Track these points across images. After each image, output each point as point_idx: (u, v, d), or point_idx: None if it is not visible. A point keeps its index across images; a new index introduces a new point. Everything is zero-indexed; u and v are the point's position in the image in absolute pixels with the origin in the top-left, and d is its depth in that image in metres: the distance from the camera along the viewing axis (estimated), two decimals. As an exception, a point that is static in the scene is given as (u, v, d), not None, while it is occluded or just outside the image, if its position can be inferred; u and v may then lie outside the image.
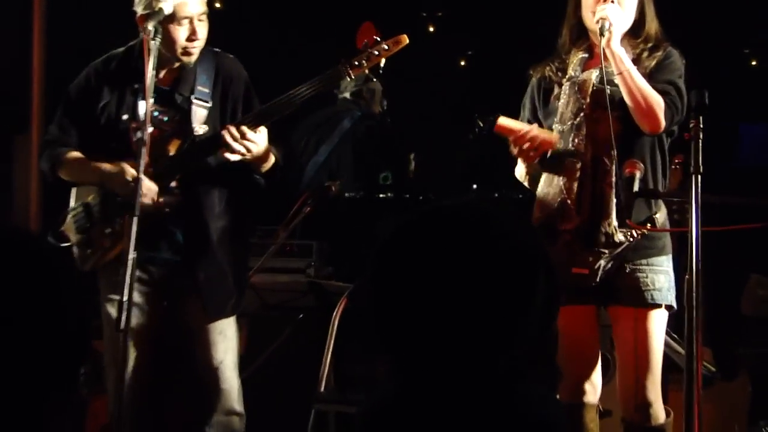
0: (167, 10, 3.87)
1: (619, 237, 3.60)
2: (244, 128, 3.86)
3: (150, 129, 3.75)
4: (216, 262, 4.07)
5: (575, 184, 3.68)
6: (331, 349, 4.56)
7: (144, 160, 3.64)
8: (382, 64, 3.94)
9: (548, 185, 3.78)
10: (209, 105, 4.05)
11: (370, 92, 7.00)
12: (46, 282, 1.62)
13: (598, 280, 3.65)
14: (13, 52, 6.05)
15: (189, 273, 4.06)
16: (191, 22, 3.95)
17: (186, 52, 4.00)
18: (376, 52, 3.89)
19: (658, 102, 3.61)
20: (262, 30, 7.85)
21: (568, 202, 3.67)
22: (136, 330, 3.95)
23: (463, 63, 9.19)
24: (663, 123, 3.61)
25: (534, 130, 3.74)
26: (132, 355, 3.96)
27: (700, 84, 3.37)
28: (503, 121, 3.76)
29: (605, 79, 3.60)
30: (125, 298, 3.53)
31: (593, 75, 3.73)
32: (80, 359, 1.65)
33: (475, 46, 8.95)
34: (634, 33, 3.78)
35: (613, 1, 3.67)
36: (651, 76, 3.69)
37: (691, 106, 3.27)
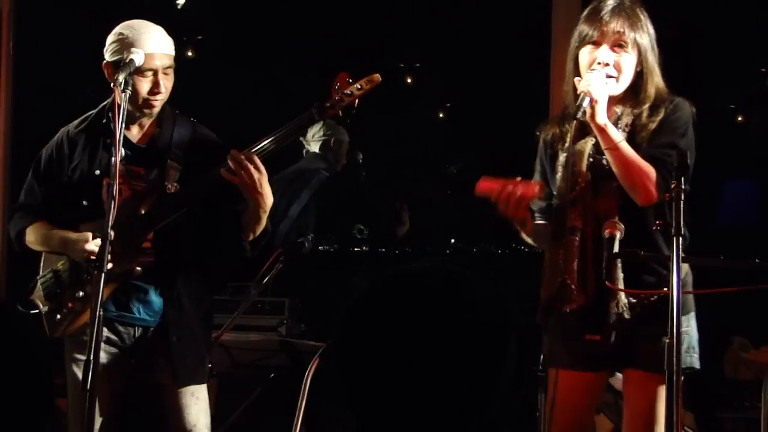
0: (138, 61, 3.82)
1: (628, 314, 3.51)
2: (254, 156, 3.80)
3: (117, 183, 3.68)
4: (188, 323, 4.00)
5: (575, 263, 3.56)
6: (302, 410, 4.47)
7: (113, 214, 3.55)
8: (355, 105, 3.87)
9: (549, 263, 3.66)
10: (181, 168, 3.98)
11: (338, 143, 6.96)
12: (7, 343, 1.62)
13: (611, 345, 3.56)
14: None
15: (161, 334, 3.99)
16: (155, 74, 3.90)
17: (147, 104, 3.95)
18: (349, 93, 3.83)
19: (648, 175, 3.45)
20: (236, 81, 7.83)
21: (568, 281, 3.55)
22: (103, 391, 3.86)
23: (441, 115, 9.17)
24: (655, 196, 3.47)
25: (513, 182, 3.55)
26: (99, 417, 3.86)
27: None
28: (483, 181, 3.59)
29: (602, 148, 3.51)
30: (91, 356, 3.41)
31: (589, 144, 3.60)
32: (43, 419, 1.64)
33: (454, 97, 8.94)
34: (634, 91, 3.62)
35: (608, 64, 3.54)
36: (652, 140, 3.55)
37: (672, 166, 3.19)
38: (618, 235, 3.41)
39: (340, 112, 3.87)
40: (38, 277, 4.06)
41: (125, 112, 3.69)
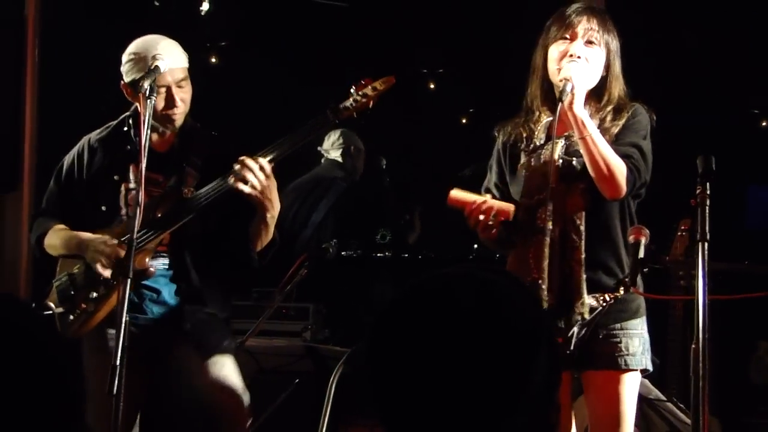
0: (164, 68, 3.83)
1: (588, 315, 3.51)
2: (261, 159, 3.81)
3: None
4: (202, 315, 4.02)
5: (545, 263, 3.55)
6: (327, 415, 4.48)
7: (138, 221, 3.57)
8: (370, 106, 3.88)
9: (518, 262, 3.64)
10: (199, 177, 4.00)
11: (357, 150, 7.00)
12: (37, 350, 1.63)
13: (572, 347, 3.55)
14: (4, 110, 6.02)
15: (175, 327, 4.00)
16: (168, 90, 3.92)
17: (167, 119, 3.98)
18: (363, 95, 3.84)
19: (619, 168, 3.48)
20: (259, 88, 7.84)
21: (539, 281, 3.54)
22: (123, 394, 3.87)
23: (464, 120, 9.14)
24: (624, 189, 3.50)
25: (488, 201, 3.58)
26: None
27: (709, 146, 3.29)
28: (455, 193, 3.61)
29: (571, 150, 3.55)
30: (117, 362, 3.42)
31: (559, 146, 3.61)
32: (71, 426, 1.64)
33: (477, 103, 8.91)
34: (598, 94, 3.66)
35: (579, 57, 3.56)
36: (615, 141, 3.57)
37: (698, 172, 3.18)
38: (643, 240, 3.40)
39: (355, 113, 3.88)
40: (53, 281, 4.08)
41: (150, 120, 3.71)
